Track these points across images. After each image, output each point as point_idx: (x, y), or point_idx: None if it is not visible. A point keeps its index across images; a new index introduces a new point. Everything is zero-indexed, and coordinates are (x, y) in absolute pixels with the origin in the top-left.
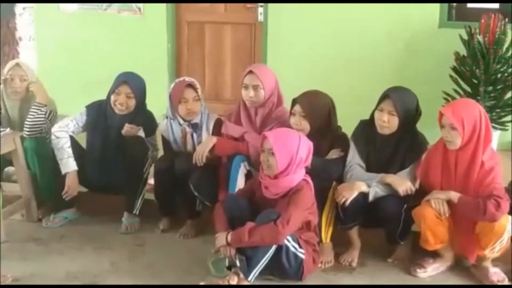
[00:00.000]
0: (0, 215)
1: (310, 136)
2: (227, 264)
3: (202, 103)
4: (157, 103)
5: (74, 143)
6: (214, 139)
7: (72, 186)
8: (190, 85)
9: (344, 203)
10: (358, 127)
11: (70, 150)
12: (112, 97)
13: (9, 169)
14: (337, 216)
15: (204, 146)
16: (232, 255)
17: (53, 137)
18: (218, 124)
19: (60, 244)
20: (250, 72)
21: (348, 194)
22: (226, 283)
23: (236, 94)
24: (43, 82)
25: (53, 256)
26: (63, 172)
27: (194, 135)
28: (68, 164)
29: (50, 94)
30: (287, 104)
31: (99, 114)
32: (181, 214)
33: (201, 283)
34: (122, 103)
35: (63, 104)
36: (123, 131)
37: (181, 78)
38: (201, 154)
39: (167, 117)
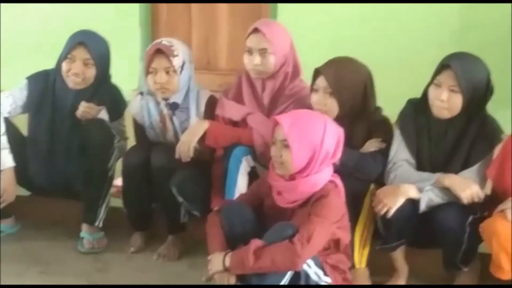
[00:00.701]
0: None
1: (338, 120)
2: None
3: (188, 75)
4: (125, 74)
5: (11, 129)
6: (206, 124)
7: (8, 189)
8: (160, 51)
9: (385, 214)
10: (406, 109)
11: (4, 139)
12: (64, 65)
13: None
14: (376, 232)
15: (191, 135)
16: (232, 284)
17: None
18: (212, 103)
19: None
20: (256, 30)
21: (391, 201)
22: None
23: (235, 62)
24: None
25: None
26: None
27: (175, 119)
28: (2, 159)
29: None
30: (306, 78)
31: (45, 89)
32: (160, 228)
33: None
34: (78, 73)
35: None
36: (78, 112)
37: (158, 40)
38: (187, 146)
39: (140, 94)
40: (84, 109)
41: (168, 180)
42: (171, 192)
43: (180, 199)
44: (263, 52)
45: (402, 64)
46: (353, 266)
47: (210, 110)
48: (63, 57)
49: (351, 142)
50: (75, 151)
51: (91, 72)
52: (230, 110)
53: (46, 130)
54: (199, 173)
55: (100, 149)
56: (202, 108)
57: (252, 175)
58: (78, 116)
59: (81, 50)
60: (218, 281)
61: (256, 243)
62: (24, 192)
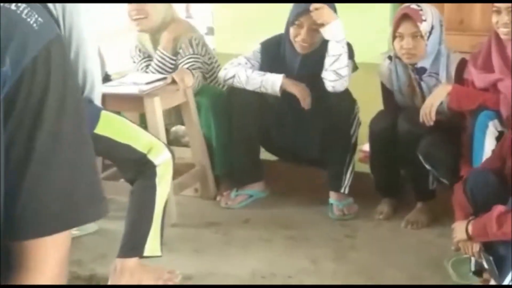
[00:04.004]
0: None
1: None
2: (473, 267)
3: (437, 39)
4: (376, 36)
5: (252, 93)
6: (448, 87)
7: (302, 91)
8: (408, 15)
9: None
10: None
11: (258, 71)
12: (292, 30)
13: (178, 128)
14: None
15: (433, 98)
16: (475, 253)
17: (229, 80)
18: (462, 67)
19: (244, 231)
20: None
21: None
22: None
23: (489, 21)
24: None
25: (234, 248)
26: (272, 89)
27: (423, 84)
28: (270, 78)
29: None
30: None
31: (277, 53)
32: (409, 194)
33: None
34: (305, 39)
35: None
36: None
37: (407, 4)
38: (429, 109)
39: (389, 58)
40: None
41: (415, 145)
42: (418, 157)
43: (428, 166)
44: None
45: None
46: None
47: (461, 75)
48: (291, 22)
49: None
50: (314, 117)
51: (319, 37)
52: (478, 76)
53: (284, 96)
54: (448, 140)
55: (341, 114)
56: (453, 72)
57: (501, 140)
58: None
59: (309, 16)
60: (462, 249)
61: (499, 208)
62: (271, 157)
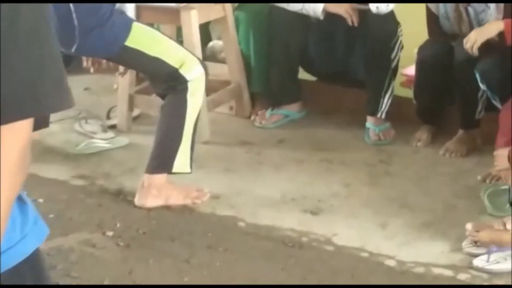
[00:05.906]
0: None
1: None
2: (510, 199)
3: None
4: None
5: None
6: (500, 25)
7: (348, 9)
8: None
9: None
10: None
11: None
12: None
13: (214, 44)
14: None
15: (480, 34)
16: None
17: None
18: None
19: (276, 151)
20: None
21: None
22: (501, 226)
23: None
24: None
25: (265, 169)
26: (314, 12)
27: (470, 9)
28: (314, 6)
29: None
30: None
31: None
32: (449, 122)
33: (468, 225)
34: None
35: None
36: None
37: None
38: (471, 44)
39: None
40: None
41: (471, 72)
42: (472, 85)
43: (483, 86)
44: None
45: None
46: None
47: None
48: None
49: None
50: (354, 39)
51: None
52: None
53: (325, 16)
54: (506, 62)
55: (383, 39)
56: (502, 4)
57: None
58: None
59: None
60: (503, 178)
61: None
62: (310, 77)
